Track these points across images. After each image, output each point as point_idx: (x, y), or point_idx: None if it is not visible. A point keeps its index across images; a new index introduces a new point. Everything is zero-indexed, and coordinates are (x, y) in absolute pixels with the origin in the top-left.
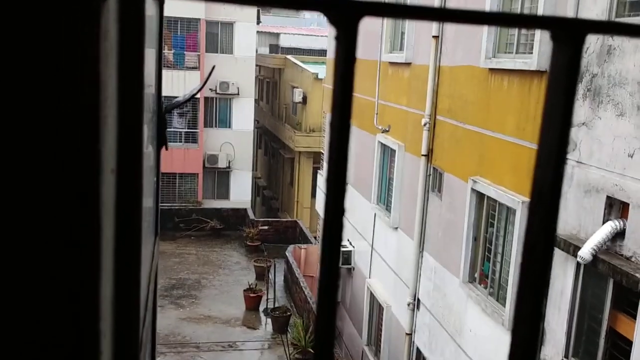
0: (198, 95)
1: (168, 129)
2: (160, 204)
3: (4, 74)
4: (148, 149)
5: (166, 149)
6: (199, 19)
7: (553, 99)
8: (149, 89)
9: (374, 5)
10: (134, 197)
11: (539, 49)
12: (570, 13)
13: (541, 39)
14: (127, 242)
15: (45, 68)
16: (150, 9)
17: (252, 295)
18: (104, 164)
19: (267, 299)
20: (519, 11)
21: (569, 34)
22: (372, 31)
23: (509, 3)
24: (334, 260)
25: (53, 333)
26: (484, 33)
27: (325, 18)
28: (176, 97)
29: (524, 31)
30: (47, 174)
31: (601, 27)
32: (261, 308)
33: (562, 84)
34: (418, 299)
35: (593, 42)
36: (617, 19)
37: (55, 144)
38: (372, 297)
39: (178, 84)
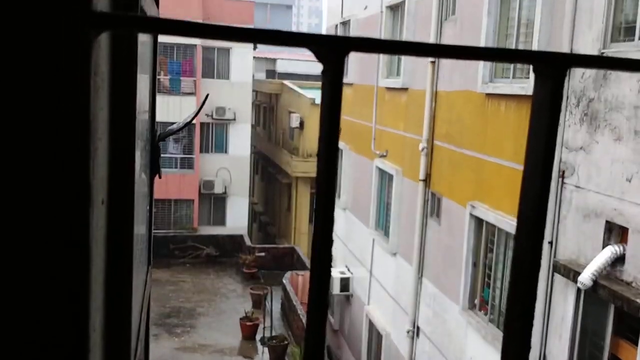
0: (194, 121)
1: (163, 155)
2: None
3: None
4: (141, 177)
5: (159, 177)
6: (195, 45)
7: (536, 131)
8: (143, 116)
9: (359, 41)
10: (126, 228)
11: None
12: (565, 38)
13: None
14: (118, 273)
15: (36, 100)
16: (144, 37)
17: (248, 323)
18: (95, 195)
19: (263, 328)
20: (515, 36)
21: (550, 68)
22: (368, 56)
23: (504, 30)
24: (324, 288)
25: None
26: None
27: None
28: (172, 123)
29: None
30: (37, 205)
31: (582, 60)
32: (258, 337)
33: (545, 116)
34: (418, 326)
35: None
36: (613, 44)
37: (45, 176)
38: (371, 324)
39: (174, 109)
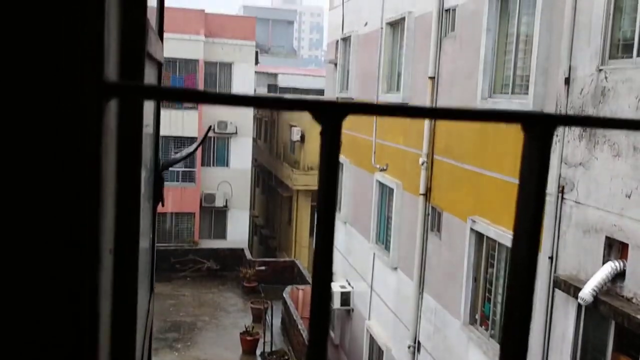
0: (196, 135)
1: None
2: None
3: (12, 160)
4: (145, 208)
5: (162, 205)
6: (198, 60)
7: (526, 188)
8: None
9: (356, 106)
10: (130, 273)
11: (535, 90)
12: (564, 55)
13: (536, 80)
14: (123, 322)
15: (47, 166)
16: (149, 73)
17: (248, 338)
18: (103, 246)
19: (264, 342)
20: (513, 52)
21: (538, 127)
22: (369, 71)
23: (503, 46)
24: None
25: None
26: (480, 73)
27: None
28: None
29: (519, 72)
30: (47, 258)
31: (569, 120)
32: (258, 352)
33: (534, 173)
34: (418, 342)
35: (587, 83)
36: (611, 61)
37: (56, 230)
38: (372, 339)
39: (176, 123)
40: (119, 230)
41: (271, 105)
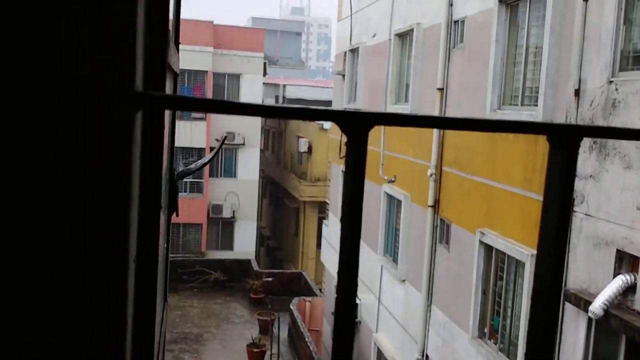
0: (204, 146)
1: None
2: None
3: (46, 169)
4: (162, 218)
5: (177, 215)
6: (207, 71)
7: (550, 200)
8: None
9: (382, 116)
10: (150, 282)
11: (544, 101)
12: (574, 67)
13: (545, 92)
14: (142, 330)
15: (80, 175)
16: (168, 84)
17: (255, 350)
18: (130, 255)
19: (270, 354)
20: (523, 64)
21: (564, 139)
22: (377, 82)
23: (512, 58)
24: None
25: None
26: (489, 85)
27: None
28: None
29: (528, 83)
30: (78, 270)
31: (595, 131)
32: None
33: (559, 185)
34: (426, 355)
35: (598, 95)
36: (621, 72)
37: (89, 240)
38: (380, 352)
39: (185, 134)
40: (141, 239)
41: (297, 116)
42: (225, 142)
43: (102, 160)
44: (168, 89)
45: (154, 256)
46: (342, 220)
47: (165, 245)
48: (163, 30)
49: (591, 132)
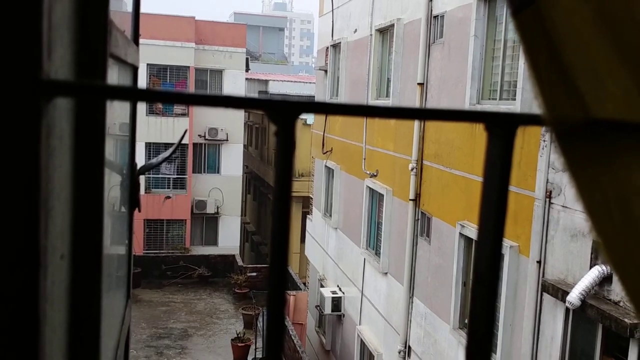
0: (187, 142)
1: (157, 175)
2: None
3: None
4: (119, 213)
5: (139, 211)
6: (188, 67)
7: (489, 186)
8: (122, 151)
9: (307, 105)
10: (92, 276)
11: (522, 95)
12: None
13: (523, 86)
14: (85, 322)
15: None
16: (121, 76)
17: (240, 344)
18: (51, 251)
19: (255, 349)
20: (501, 58)
21: (501, 127)
22: (359, 77)
23: (491, 52)
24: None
25: None
26: (468, 79)
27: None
28: (165, 144)
29: (506, 77)
30: None
31: (531, 119)
32: (249, 358)
33: (497, 173)
34: (409, 346)
35: None
36: None
37: None
38: (363, 344)
39: (167, 130)
40: (76, 235)
41: (225, 103)
42: (209, 137)
43: (2, 151)
44: (122, 82)
45: (96, 253)
46: (272, 209)
47: (128, 241)
48: (100, 18)
49: (528, 120)
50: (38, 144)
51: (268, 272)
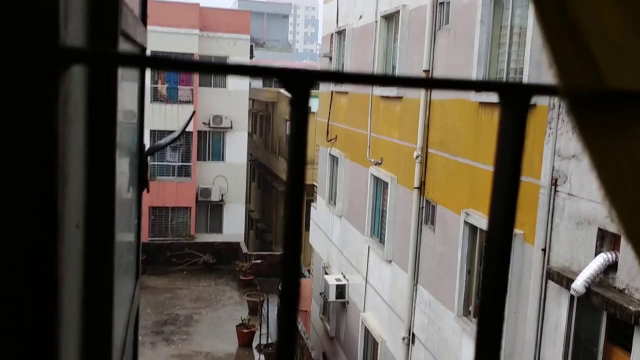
0: (191, 129)
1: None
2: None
3: None
4: (128, 192)
5: (147, 191)
6: (193, 54)
7: (502, 161)
8: (130, 131)
9: (322, 74)
10: (106, 247)
11: (528, 81)
12: None
13: (530, 73)
14: (98, 293)
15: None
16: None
17: (245, 330)
18: (66, 220)
19: (260, 335)
20: (507, 45)
21: (514, 98)
22: (364, 64)
23: (497, 38)
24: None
25: None
26: (474, 66)
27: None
28: (170, 131)
29: (512, 64)
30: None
31: (545, 89)
32: (254, 344)
33: (510, 144)
34: (413, 333)
35: None
36: None
37: (12, 205)
38: (367, 331)
39: (172, 117)
40: (90, 206)
41: (239, 71)
42: (213, 125)
43: (22, 114)
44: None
45: (109, 224)
46: (286, 183)
47: (137, 221)
48: None
49: (542, 90)
50: (57, 111)
51: (282, 242)
